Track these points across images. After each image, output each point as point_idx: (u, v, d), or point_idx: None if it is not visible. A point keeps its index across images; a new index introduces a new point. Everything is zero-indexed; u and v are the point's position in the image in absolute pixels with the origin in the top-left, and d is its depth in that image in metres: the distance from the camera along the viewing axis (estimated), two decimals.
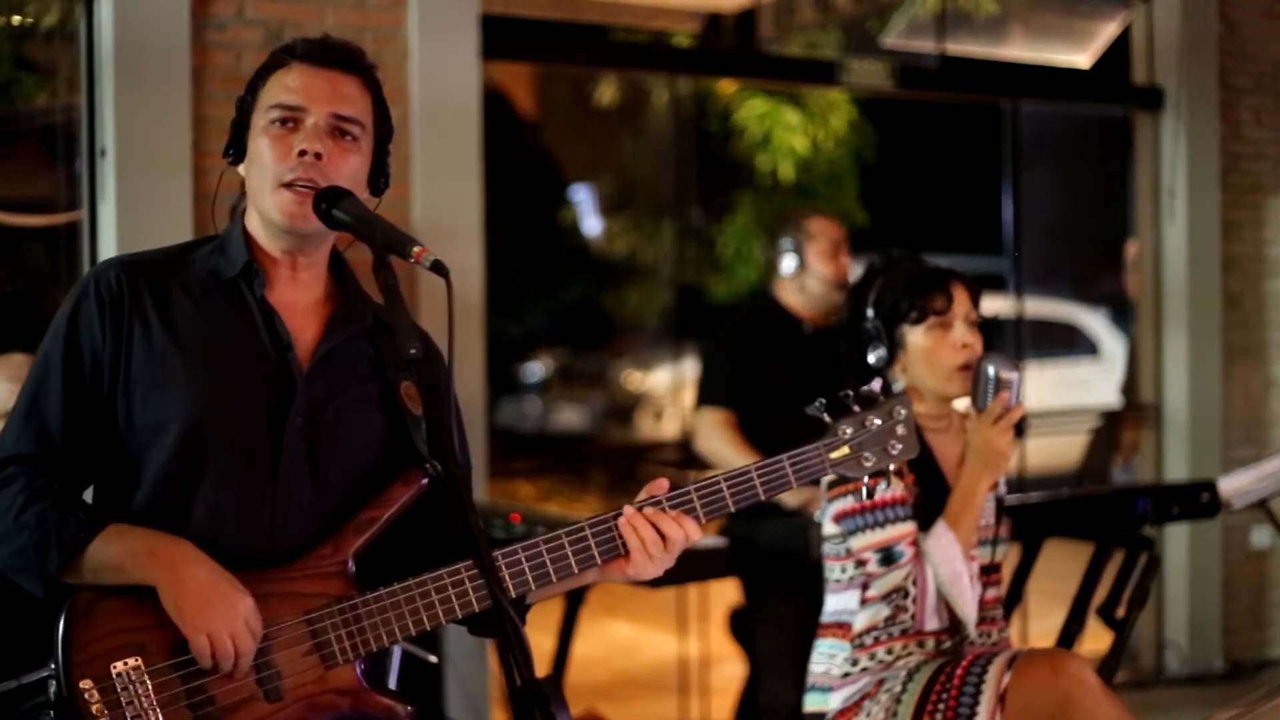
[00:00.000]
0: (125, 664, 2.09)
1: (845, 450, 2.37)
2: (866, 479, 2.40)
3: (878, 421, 2.39)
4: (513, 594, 2.22)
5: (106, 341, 2.18)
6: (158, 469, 2.17)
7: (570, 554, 2.23)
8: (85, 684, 2.07)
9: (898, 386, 3.16)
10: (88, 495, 2.27)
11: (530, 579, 2.22)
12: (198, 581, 2.09)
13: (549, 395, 12.05)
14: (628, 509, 2.25)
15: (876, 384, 2.43)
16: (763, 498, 2.31)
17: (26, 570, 2.15)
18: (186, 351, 2.19)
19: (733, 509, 2.30)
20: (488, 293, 4.66)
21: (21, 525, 2.13)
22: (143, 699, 2.08)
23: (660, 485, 2.28)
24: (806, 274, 4.54)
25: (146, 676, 2.09)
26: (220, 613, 2.08)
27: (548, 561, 2.23)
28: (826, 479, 3.17)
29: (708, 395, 4.52)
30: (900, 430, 2.40)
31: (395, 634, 2.18)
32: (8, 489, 2.16)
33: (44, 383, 2.20)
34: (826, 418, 2.38)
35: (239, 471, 2.17)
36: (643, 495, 2.27)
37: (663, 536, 2.24)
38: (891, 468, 2.40)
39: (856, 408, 2.39)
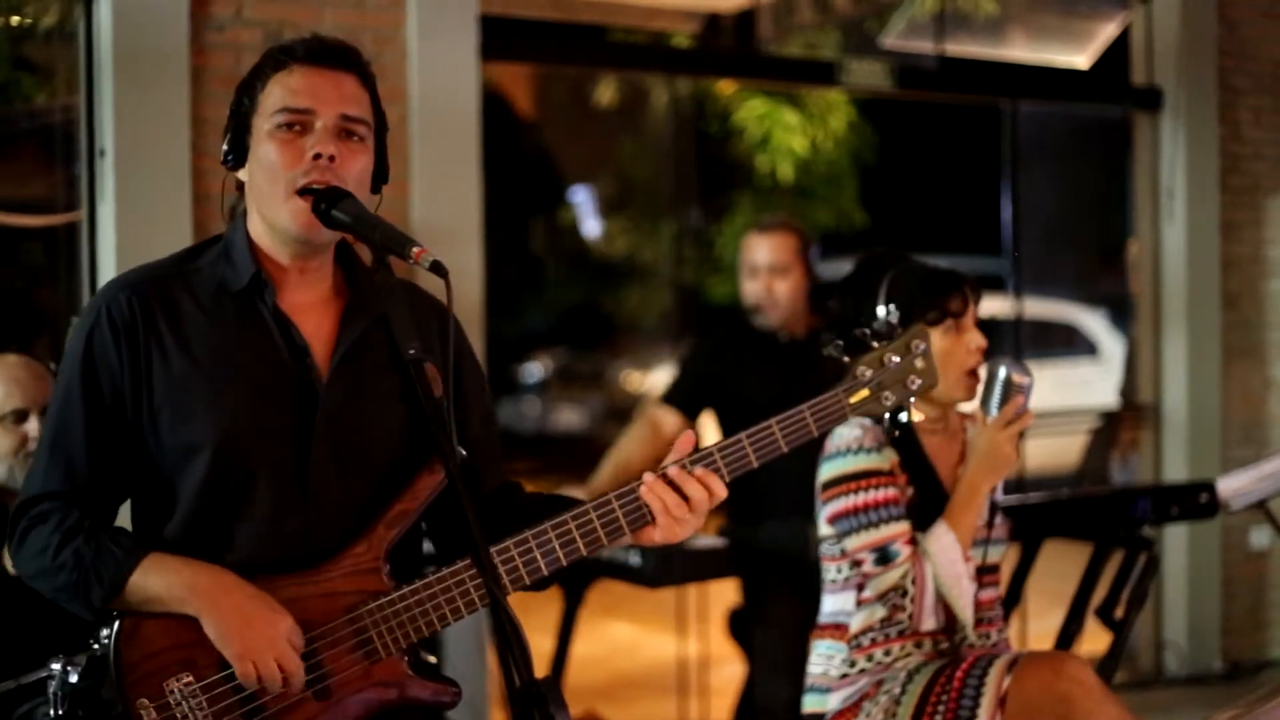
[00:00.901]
0: (177, 680, 2.13)
1: (865, 393, 2.36)
2: (887, 415, 2.38)
3: (896, 358, 2.38)
4: (544, 572, 2.24)
5: (125, 369, 2.19)
6: (191, 492, 2.19)
7: (599, 526, 2.25)
8: (142, 704, 2.12)
9: None
10: (125, 510, 2.30)
11: (560, 555, 2.23)
12: (236, 609, 2.12)
13: (548, 396, 12.06)
14: (648, 475, 2.26)
15: (894, 315, 2.42)
16: (784, 449, 2.31)
17: (72, 604, 2.18)
18: (206, 371, 2.19)
19: (755, 464, 2.29)
20: (487, 293, 4.66)
21: (59, 565, 2.16)
22: (197, 712, 2.13)
23: (688, 440, 2.30)
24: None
25: (199, 690, 2.13)
26: (261, 636, 2.11)
27: (577, 537, 2.24)
28: (821, 480, 3.17)
29: (664, 393, 4.54)
30: (919, 364, 2.39)
31: (434, 624, 2.21)
32: (42, 527, 2.18)
33: (66, 416, 2.21)
34: (845, 358, 2.38)
35: (270, 484, 2.19)
36: (671, 456, 2.28)
37: (686, 498, 2.25)
38: (912, 400, 2.39)
39: (875, 344, 2.38)
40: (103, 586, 2.13)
